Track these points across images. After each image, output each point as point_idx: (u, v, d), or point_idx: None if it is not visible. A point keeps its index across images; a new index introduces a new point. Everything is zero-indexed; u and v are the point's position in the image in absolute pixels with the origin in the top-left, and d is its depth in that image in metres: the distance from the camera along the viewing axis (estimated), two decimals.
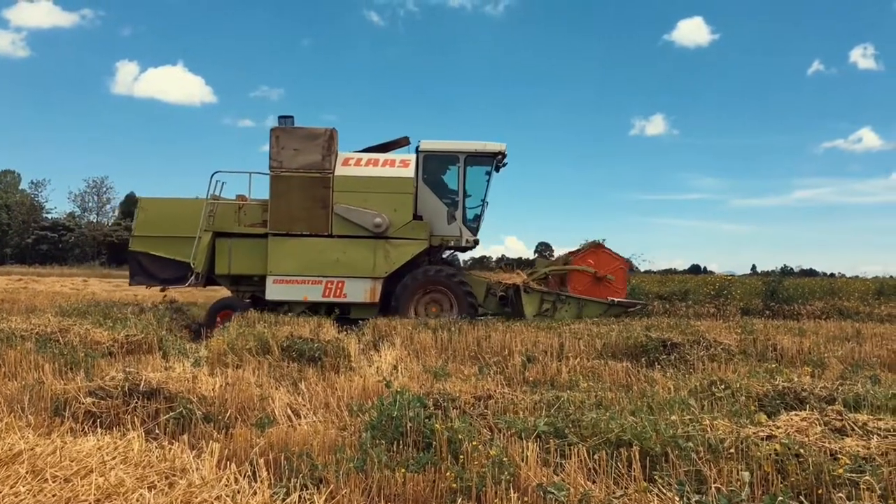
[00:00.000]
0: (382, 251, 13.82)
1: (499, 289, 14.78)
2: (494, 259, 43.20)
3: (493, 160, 14.71)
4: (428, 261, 14.69)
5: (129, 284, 15.77)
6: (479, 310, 14.32)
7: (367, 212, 13.76)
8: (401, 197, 13.97)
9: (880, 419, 4.61)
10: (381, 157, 14.52)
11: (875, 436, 4.30)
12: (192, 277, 13.77)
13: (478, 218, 14.90)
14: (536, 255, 32.28)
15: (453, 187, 14.88)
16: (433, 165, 14.80)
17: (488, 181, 14.86)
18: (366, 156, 14.47)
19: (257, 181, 32.85)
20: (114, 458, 3.96)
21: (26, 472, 3.62)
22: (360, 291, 13.78)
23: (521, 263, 16.35)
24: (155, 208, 14.51)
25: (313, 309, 13.63)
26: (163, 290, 15.56)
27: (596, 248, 14.96)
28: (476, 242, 14.94)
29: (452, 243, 14.76)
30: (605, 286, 14.62)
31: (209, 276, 14.21)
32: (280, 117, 14.19)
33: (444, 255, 15.57)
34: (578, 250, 15.25)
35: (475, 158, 14.69)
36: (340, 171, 13.96)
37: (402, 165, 14.24)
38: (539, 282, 14.82)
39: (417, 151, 14.70)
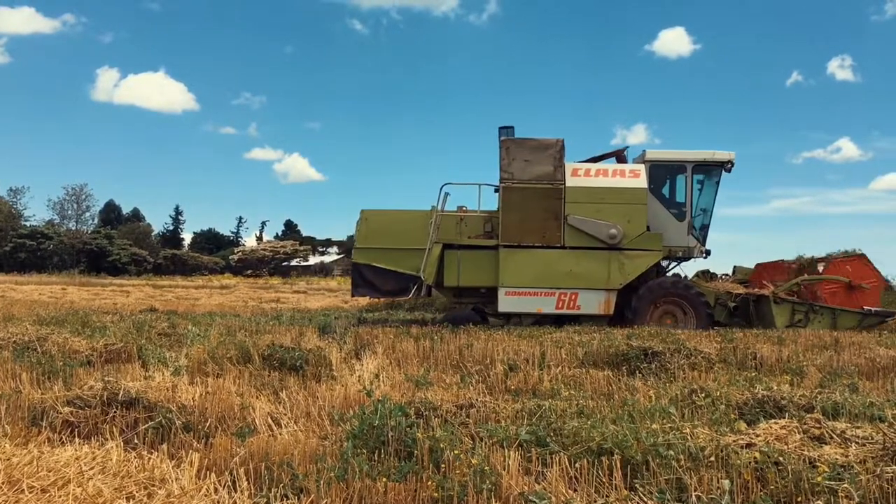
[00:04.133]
0: (617, 262, 13.65)
1: (730, 299, 14.37)
2: None
3: (721, 168, 14.55)
4: (657, 272, 14.48)
5: (352, 296, 15.76)
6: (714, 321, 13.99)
7: (601, 223, 13.62)
8: (635, 208, 13.78)
9: (858, 427, 4.65)
10: (610, 167, 14.39)
11: (853, 444, 4.34)
12: (416, 288, 13.72)
13: (705, 227, 14.80)
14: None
15: (679, 197, 14.67)
16: (659, 175, 14.66)
17: (715, 190, 14.73)
18: (594, 166, 14.36)
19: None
20: (92, 469, 3.91)
21: (2, 483, 3.56)
22: (594, 303, 13.63)
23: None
24: (378, 220, 14.42)
25: (540, 321, 13.53)
26: (392, 302, 15.41)
27: (858, 257, 14.38)
28: (708, 253, 14.75)
29: (681, 254, 14.57)
30: (857, 295, 13.96)
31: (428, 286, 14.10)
32: (501, 128, 13.96)
33: (666, 266, 15.25)
34: (827, 257, 14.68)
35: (702, 167, 14.56)
36: (571, 181, 13.81)
37: (632, 175, 14.02)
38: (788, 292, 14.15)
39: (643, 161, 14.50)
